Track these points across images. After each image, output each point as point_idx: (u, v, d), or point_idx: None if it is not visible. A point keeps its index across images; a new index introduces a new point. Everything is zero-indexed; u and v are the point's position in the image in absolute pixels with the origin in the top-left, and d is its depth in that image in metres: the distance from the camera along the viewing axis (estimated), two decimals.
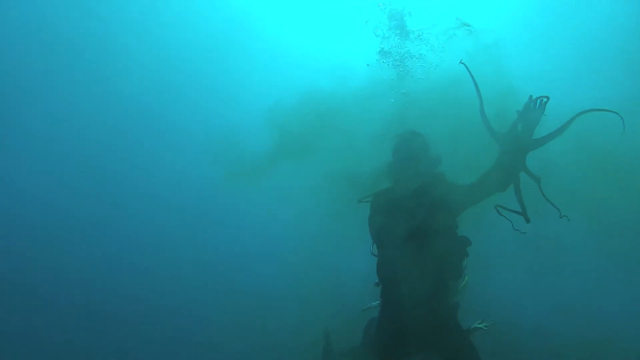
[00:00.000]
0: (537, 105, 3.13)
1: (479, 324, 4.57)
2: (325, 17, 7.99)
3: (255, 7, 8.92)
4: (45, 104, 9.39)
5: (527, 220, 3.13)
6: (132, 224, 9.37)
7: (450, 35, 5.96)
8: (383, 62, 5.72)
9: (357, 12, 6.45)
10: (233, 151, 6.81)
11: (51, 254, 8.71)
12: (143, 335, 7.26)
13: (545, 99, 3.11)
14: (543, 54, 7.46)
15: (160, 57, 9.30)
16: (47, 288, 8.23)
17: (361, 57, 6.00)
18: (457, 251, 3.25)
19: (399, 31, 5.76)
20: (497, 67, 5.29)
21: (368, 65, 5.81)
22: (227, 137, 7.09)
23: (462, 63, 3.54)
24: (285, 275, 7.44)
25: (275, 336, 6.70)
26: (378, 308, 3.58)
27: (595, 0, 7.84)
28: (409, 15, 5.85)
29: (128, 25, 9.14)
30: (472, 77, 3.42)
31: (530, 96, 3.17)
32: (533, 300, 6.46)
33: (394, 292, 3.27)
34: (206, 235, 9.08)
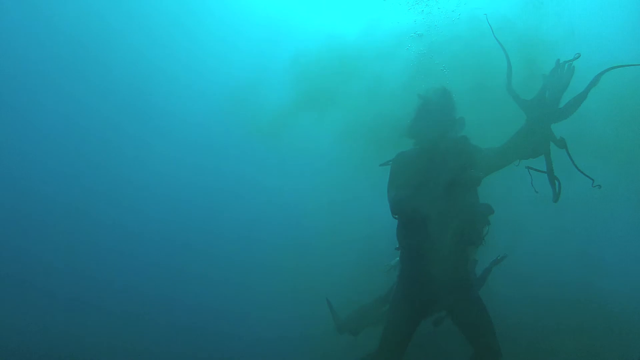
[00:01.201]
0: (565, 70, 2.97)
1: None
2: None
3: None
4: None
5: (555, 199, 3.02)
6: (142, 192, 9.24)
7: None
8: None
9: None
10: (254, 104, 6.76)
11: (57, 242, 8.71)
12: (151, 325, 7.30)
13: (573, 63, 2.93)
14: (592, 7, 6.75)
15: (175, 5, 8.90)
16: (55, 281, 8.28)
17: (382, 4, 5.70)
18: (478, 218, 3.21)
19: None
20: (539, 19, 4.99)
21: None
22: (249, 89, 7.01)
23: (485, 15, 3.36)
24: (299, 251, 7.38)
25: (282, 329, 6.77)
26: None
27: None
28: None
29: None
30: (496, 38, 3.24)
31: (558, 60, 2.99)
32: (557, 262, 6.38)
33: (413, 257, 3.32)
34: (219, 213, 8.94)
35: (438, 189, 3.13)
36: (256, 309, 7.33)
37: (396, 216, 3.42)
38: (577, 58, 2.99)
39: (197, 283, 8.10)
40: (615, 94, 4.40)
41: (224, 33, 8.94)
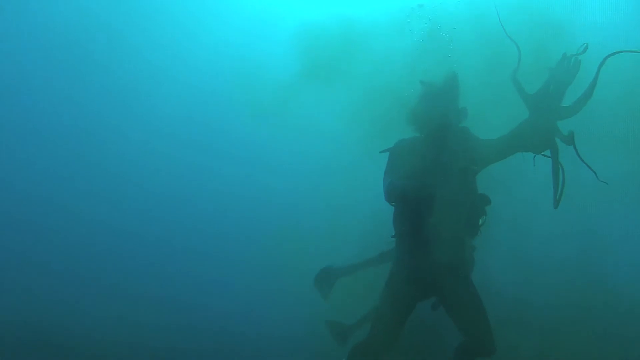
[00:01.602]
0: (571, 64, 2.89)
1: None
2: None
3: None
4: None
5: (555, 206, 2.94)
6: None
7: None
8: None
9: None
10: (255, 80, 6.63)
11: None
12: (153, 324, 7.26)
13: (579, 57, 2.84)
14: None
15: None
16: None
17: None
18: (475, 209, 3.20)
19: None
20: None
21: None
22: (250, 65, 6.87)
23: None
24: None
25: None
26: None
27: None
28: None
29: None
30: (505, 30, 3.16)
31: (564, 54, 2.92)
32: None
33: (408, 244, 3.32)
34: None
35: (436, 178, 3.10)
36: (258, 308, 7.39)
37: (393, 203, 3.42)
38: (585, 50, 2.91)
39: (198, 282, 8.14)
40: (625, 85, 4.31)
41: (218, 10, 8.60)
